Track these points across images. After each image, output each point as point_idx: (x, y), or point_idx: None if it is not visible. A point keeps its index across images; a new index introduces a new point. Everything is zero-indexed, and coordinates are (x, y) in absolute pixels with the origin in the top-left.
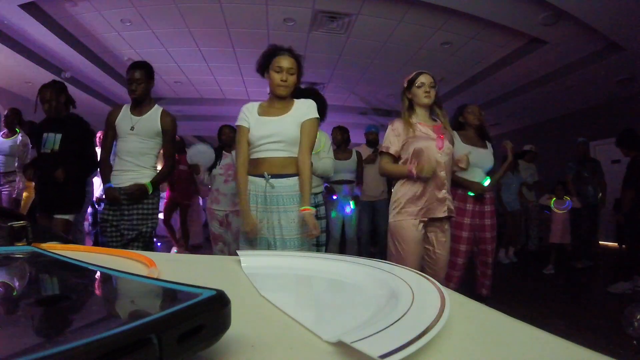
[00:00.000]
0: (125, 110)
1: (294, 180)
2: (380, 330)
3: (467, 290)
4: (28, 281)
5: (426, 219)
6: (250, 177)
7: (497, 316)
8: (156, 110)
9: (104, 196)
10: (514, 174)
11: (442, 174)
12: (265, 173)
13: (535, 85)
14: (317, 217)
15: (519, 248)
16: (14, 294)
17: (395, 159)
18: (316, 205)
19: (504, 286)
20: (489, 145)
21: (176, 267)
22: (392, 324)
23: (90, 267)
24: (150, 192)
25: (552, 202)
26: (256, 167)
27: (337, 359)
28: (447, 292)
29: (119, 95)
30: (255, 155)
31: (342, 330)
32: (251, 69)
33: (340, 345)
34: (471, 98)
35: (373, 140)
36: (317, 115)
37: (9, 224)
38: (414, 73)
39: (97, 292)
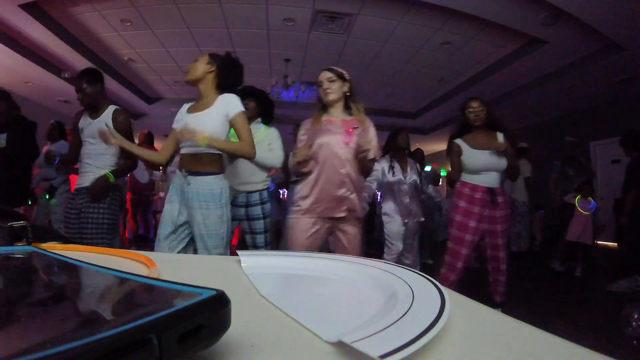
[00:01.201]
0: (85, 114)
1: (211, 178)
2: (380, 330)
3: (481, 296)
4: (28, 281)
5: (323, 217)
6: (177, 171)
7: (497, 316)
8: (109, 112)
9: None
10: None
11: (343, 171)
12: (183, 170)
13: (535, 85)
14: (252, 218)
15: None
16: (14, 294)
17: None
18: (262, 202)
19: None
20: (500, 136)
21: (176, 267)
22: (392, 324)
23: (90, 267)
24: (112, 179)
25: (577, 200)
26: (181, 162)
27: (337, 359)
28: (447, 292)
29: (118, 95)
30: (181, 151)
31: (342, 330)
32: (251, 69)
33: (340, 345)
34: None
35: None
36: (242, 109)
37: (9, 224)
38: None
39: (97, 292)
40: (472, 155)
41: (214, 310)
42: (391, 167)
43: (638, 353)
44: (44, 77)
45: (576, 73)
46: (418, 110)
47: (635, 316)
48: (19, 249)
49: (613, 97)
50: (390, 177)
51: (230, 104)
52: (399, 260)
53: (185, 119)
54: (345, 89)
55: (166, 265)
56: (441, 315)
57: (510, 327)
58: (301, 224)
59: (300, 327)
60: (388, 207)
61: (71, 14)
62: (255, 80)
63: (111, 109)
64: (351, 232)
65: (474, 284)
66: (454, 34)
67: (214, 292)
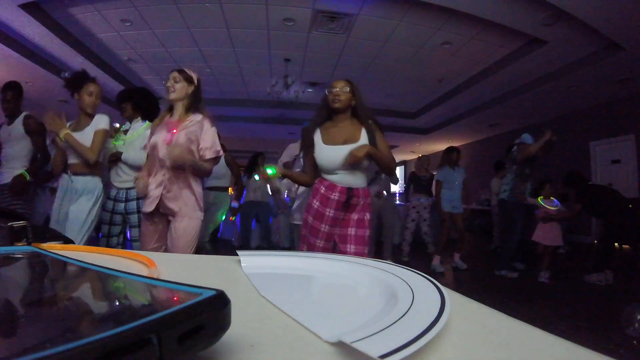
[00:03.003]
0: (4, 122)
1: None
2: (380, 330)
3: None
4: (28, 281)
5: (152, 212)
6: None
7: (497, 316)
8: (20, 118)
9: None
10: (455, 170)
11: (163, 169)
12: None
13: (535, 85)
14: (129, 212)
15: (464, 253)
16: (14, 294)
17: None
18: (126, 200)
19: (503, 286)
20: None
21: (176, 267)
22: (392, 324)
23: (90, 267)
24: (27, 178)
25: (540, 200)
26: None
27: (337, 359)
28: (447, 292)
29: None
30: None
31: (342, 330)
32: (251, 69)
33: (340, 345)
34: (471, 98)
35: None
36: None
37: (9, 224)
38: None
39: (97, 292)
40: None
41: (214, 310)
42: None
43: (638, 353)
44: (44, 77)
45: (576, 73)
46: (418, 110)
47: (638, 316)
48: (19, 249)
49: (613, 97)
50: None
51: (95, 125)
52: None
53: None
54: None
55: (166, 265)
56: (441, 315)
57: (510, 327)
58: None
59: (300, 327)
60: None
61: (71, 14)
62: (255, 80)
63: (22, 115)
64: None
65: (473, 284)
66: (454, 34)
67: (214, 292)
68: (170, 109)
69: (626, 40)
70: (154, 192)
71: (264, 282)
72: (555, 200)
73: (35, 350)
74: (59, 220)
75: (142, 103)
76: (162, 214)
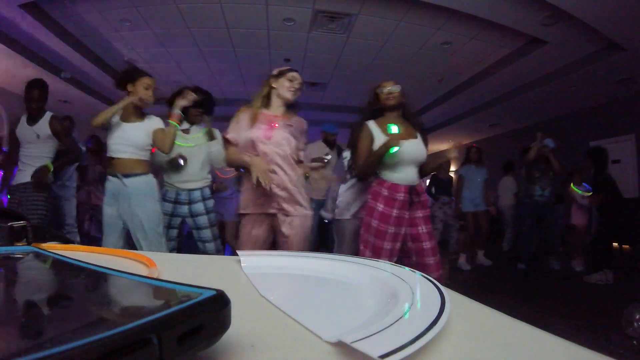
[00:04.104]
0: (23, 120)
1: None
2: (380, 330)
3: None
4: (28, 281)
5: (263, 213)
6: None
7: (497, 316)
8: (46, 117)
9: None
10: (477, 168)
11: (272, 167)
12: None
13: (535, 85)
14: (195, 214)
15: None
16: (14, 294)
17: (235, 145)
18: (190, 202)
19: (503, 286)
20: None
21: (176, 267)
22: (392, 324)
23: (90, 267)
24: (51, 170)
25: (573, 187)
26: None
27: (337, 359)
28: (447, 292)
29: (118, 95)
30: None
31: (342, 330)
32: (251, 69)
33: (340, 345)
34: (471, 98)
35: (331, 142)
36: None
37: (9, 224)
38: (287, 68)
39: (97, 292)
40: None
41: (214, 310)
42: None
43: (638, 353)
44: (44, 77)
45: (576, 73)
46: (418, 110)
47: (638, 316)
48: (19, 249)
49: (613, 97)
50: None
51: (153, 124)
52: None
53: (118, 128)
54: None
55: (166, 265)
56: (441, 315)
57: (510, 327)
58: (247, 221)
59: (300, 327)
60: None
61: (71, 14)
62: (255, 80)
63: (48, 115)
64: (286, 232)
65: (473, 285)
66: (454, 34)
67: (214, 292)
68: (262, 104)
69: (626, 40)
70: (266, 188)
71: (264, 282)
72: (586, 185)
73: (35, 350)
74: (117, 227)
75: (211, 108)
76: (266, 214)
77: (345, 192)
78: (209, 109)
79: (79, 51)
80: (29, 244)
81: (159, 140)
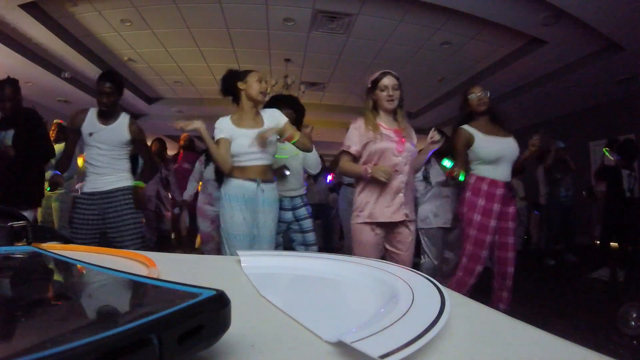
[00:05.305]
0: (92, 116)
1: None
2: (380, 330)
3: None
4: (28, 281)
5: (383, 222)
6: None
7: (497, 316)
8: (124, 119)
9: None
10: None
11: (400, 177)
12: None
13: (535, 85)
14: (300, 219)
15: None
16: (14, 294)
17: (355, 158)
18: (293, 208)
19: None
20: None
21: (176, 267)
22: (392, 324)
23: (90, 267)
24: (143, 187)
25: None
26: (249, 172)
27: (337, 359)
28: (447, 292)
29: None
30: (249, 161)
31: (342, 330)
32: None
33: (340, 345)
34: None
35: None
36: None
37: (9, 224)
38: (379, 73)
39: (97, 292)
40: (486, 142)
41: (214, 310)
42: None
43: (638, 353)
44: (44, 77)
45: (576, 73)
46: (418, 110)
47: (634, 315)
48: (19, 249)
49: (613, 97)
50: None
51: (274, 118)
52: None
53: (246, 136)
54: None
55: (166, 265)
56: (441, 315)
57: (510, 327)
58: (368, 230)
59: (300, 327)
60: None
61: (71, 14)
62: None
63: (125, 117)
64: (404, 240)
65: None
66: (454, 34)
67: (214, 292)
68: (374, 111)
69: (626, 40)
70: (397, 199)
71: (264, 282)
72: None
73: (35, 350)
74: (248, 233)
75: (302, 113)
76: (380, 223)
77: (430, 199)
78: (299, 120)
79: (79, 51)
80: (29, 244)
81: (300, 141)
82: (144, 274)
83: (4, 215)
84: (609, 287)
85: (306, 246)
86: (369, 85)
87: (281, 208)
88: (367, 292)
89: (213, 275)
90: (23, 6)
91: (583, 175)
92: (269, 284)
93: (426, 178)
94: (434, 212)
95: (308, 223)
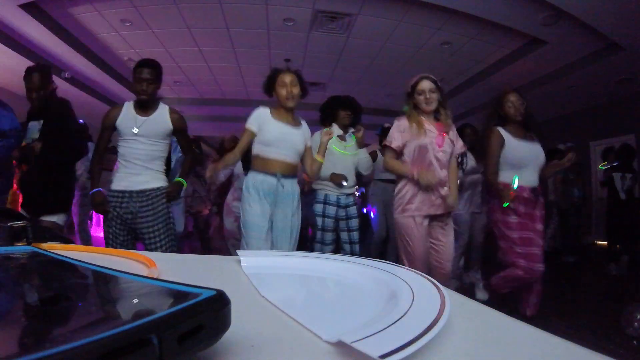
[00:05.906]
0: (128, 110)
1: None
2: (380, 330)
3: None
4: (28, 281)
5: (428, 215)
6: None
7: (497, 316)
8: (163, 109)
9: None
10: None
11: (443, 172)
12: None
13: (535, 85)
14: (350, 217)
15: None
16: (14, 294)
17: (398, 154)
18: (346, 206)
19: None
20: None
21: (176, 267)
22: (392, 324)
23: (90, 267)
24: (184, 186)
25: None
26: (272, 165)
27: (337, 359)
28: (447, 292)
29: (118, 95)
30: (273, 155)
31: (342, 330)
32: (251, 69)
33: (340, 345)
34: (471, 98)
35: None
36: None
37: (9, 224)
38: (417, 77)
39: (97, 292)
40: (516, 146)
41: (214, 310)
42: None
43: (638, 353)
44: None
45: (576, 73)
46: None
47: (638, 316)
48: (19, 249)
49: (613, 97)
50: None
51: (308, 133)
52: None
53: (278, 127)
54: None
55: (166, 265)
56: (441, 315)
57: (510, 327)
58: (414, 222)
59: (300, 327)
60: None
61: (71, 14)
62: (255, 80)
63: (164, 107)
64: (445, 231)
65: (472, 285)
66: (454, 34)
67: (214, 292)
68: (417, 110)
69: (626, 40)
70: (441, 191)
71: (264, 282)
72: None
73: (35, 350)
74: (263, 229)
75: (359, 113)
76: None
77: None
78: (358, 115)
79: (79, 51)
80: (29, 244)
81: (308, 164)
82: (144, 274)
83: (4, 215)
84: (609, 288)
85: (351, 244)
86: (409, 90)
87: (339, 205)
88: (367, 292)
89: (213, 275)
90: (23, 6)
91: (583, 176)
92: (269, 284)
93: (460, 166)
94: (465, 198)
95: (355, 222)
